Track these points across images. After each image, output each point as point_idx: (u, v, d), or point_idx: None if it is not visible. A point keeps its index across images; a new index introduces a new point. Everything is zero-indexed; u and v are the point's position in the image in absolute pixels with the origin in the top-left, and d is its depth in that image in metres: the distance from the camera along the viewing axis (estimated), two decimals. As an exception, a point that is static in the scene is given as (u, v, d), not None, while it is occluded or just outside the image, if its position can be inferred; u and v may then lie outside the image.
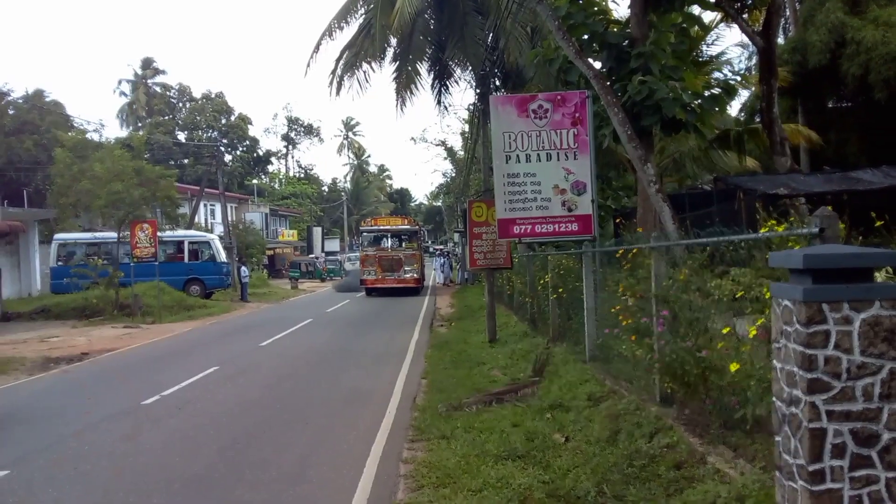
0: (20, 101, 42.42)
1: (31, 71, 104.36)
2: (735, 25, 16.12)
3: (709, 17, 18.51)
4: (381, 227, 35.36)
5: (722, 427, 5.60)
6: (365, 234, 35.02)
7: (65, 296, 27.50)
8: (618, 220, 17.41)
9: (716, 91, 12.42)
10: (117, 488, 6.90)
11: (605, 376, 9.03)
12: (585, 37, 11.91)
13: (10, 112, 41.65)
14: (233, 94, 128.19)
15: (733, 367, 4.85)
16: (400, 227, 35.50)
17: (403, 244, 34.06)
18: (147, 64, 63.66)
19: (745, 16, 15.30)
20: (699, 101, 11.72)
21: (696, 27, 13.38)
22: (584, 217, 11.30)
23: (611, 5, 13.08)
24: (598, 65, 11.94)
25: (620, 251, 8.63)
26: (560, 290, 12.76)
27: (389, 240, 34.15)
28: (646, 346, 6.77)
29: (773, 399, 3.61)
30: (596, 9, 12.19)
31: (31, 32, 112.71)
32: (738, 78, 18.01)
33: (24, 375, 14.30)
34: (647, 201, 11.51)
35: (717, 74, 18.69)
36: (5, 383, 13.48)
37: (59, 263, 31.17)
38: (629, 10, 12.12)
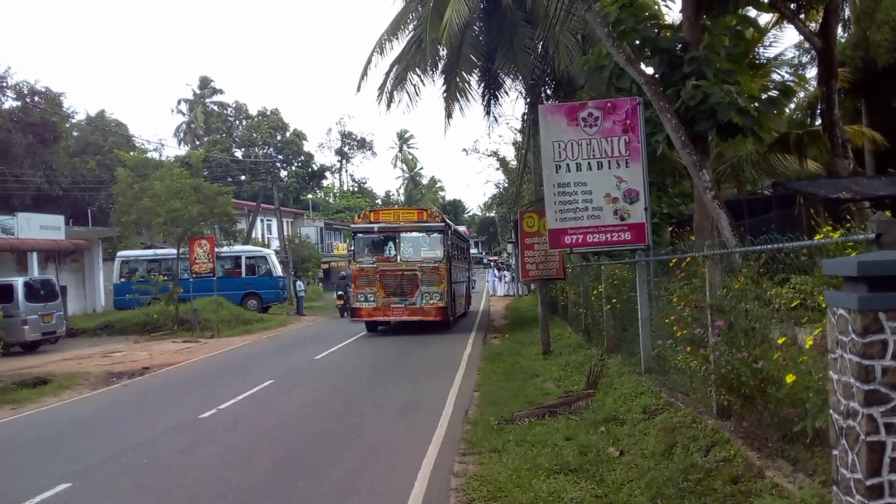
0: (84, 122, 43.91)
1: (94, 93, 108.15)
2: (792, 26, 15.69)
3: (765, 18, 18.09)
4: (384, 225, 21.74)
5: (781, 440, 5.40)
6: (359, 235, 22.00)
7: (127, 311, 28.28)
8: (671, 228, 17.05)
9: (773, 93, 12.10)
10: (174, 500, 7.01)
11: (660, 388, 8.83)
12: (637, 42, 11.73)
13: (75, 134, 43.13)
14: (288, 110, 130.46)
15: (789, 378, 4.67)
16: (415, 223, 21.80)
17: (421, 252, 21.50)
18: (205, 83, 65.29)
19: (802, 16, 14.89)
20: (756, 104, 11.42)
21: (752, 29, 13.06)
22: (636, 226, 11.09)
23: (662, 10, 12.84)
24: (649, 70, 11.75)
25: (674, 260, 8.44)
26: (614, 300, 12.55)
27: (398, 244, 21.56)
28: (701, 357, 6.58)
29: (830, 412, 3.45)
30: (647, 14, 11.99)
31: (96, 56, 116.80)
32: (796, 79, 17.52)
33: (88, 390, 14.71)
34: (704, 208, 11.25)
35: (775, 76, 18.27)
36: (70, 398, 13.89)
37: (122, 280, 32.09)
38: (681, 15, 11.91)
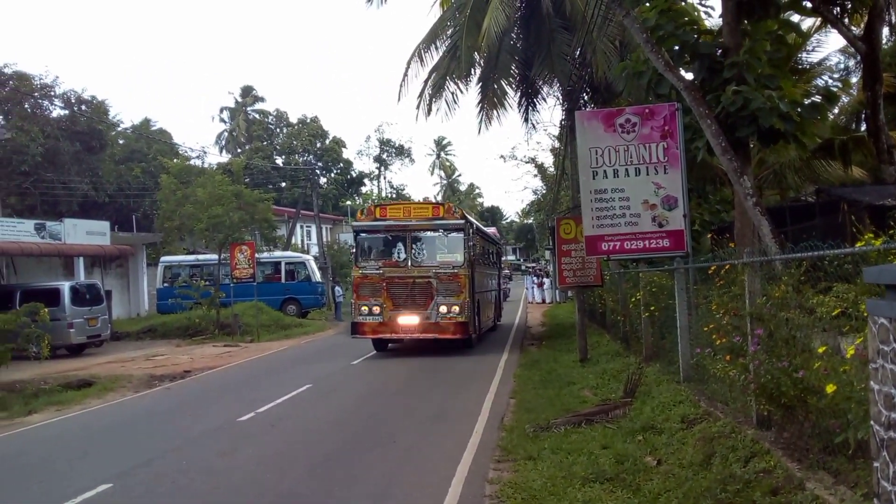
0: (129, 130, 44.86)
1: (139, 101, 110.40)
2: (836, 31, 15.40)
3: (808, 23, 17.76)
4: (393, 223, 18.27)
5: (822, 451, 5.28)
6: (362, 235, 18.62)
7: (170, 315, 28.79)
8: (711, 235, 16.82)
9: (816, 99, 11.87)
10: (212, 502, 7.10)
11: (699, 397, 8.71)
12: (676, 48, 11.60)
13: (121, 142, 44.09)
14: (327, 118, 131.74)
15: (830, 388, 4.57)
16: (429, 220, 18.25)
17: (437, 255, 18.17)
18: (247, 92, 66.19)
19: (846, 20, 14.60)
20: (798, 109, 11.22)
21: (794, 34, 12.85)
22: (675, 232, 10.95)
23: (702, 15, 12.65)
24: (689, 76, 11.62)
25: (713, 267, 8.33)
26: (652, 308, 12.42)
27: (409, 246, 18.05)
28: (740, 366, 6.48)
29: (871, 423, 3.37)
30: (686, 19, 11.86)
31: (141, 65, 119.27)
32: (839, 84, 17.18)
33: (131, 392, 15.00)
34: (745, 215, 11.07)
35: (818, 82, 17.93)
36: (113, 400, 14.18)
37: (165, 285, 32.68)
38: (721, 20, 11.76)
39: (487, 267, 23.08)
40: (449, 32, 21.05)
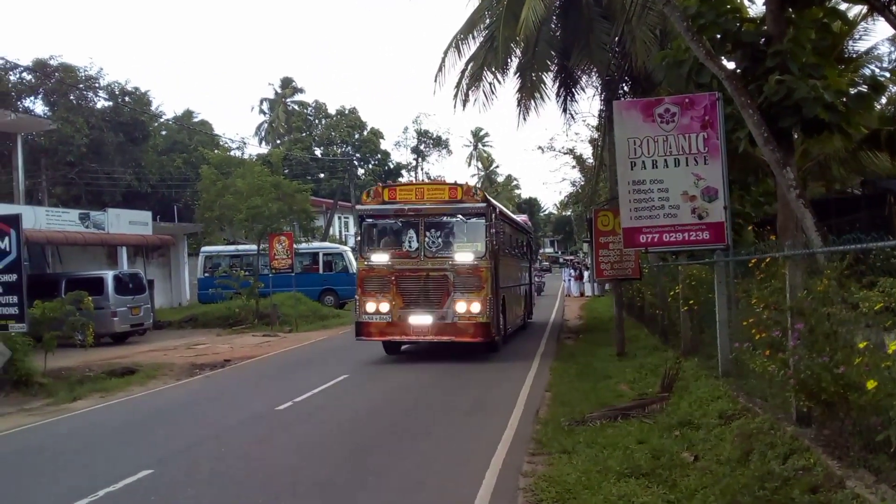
0: (171, 121, 45.56)
1: (181, 92, 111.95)
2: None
3: (855, 10, 17.29)
4: (403, 206, 16.01)
5: (863, 449, 5.16)
6: (368, 221, 16.41)
7: (210, 305, 29.24)
8: (752, 228, 16.54)
9: (863, 89, 11.55)
10: (249, 489, 7.19)
11: (738, 393, 8.57)
12: (717, 36, 11.38)
13: (163, 133, 44.80)
14: (365, 109, 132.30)
15: (871, 384, 4.46)
16: (445, 203, 15.85)
17: (455, 245, 15.83)
18: (286, 83, 66.73)
19: (894, 8, 14.17)
20: (843, 99, 10.93)
21: (839, 22, 12.51)
22: (715, 225, 10.76)
23: (745, 2, 12.39)
24: (731, 65, 11.40)
25: (753, 260, 8.18)
26: (691, 301, 12.25)
27: (421, 234, 15.75)
28: (780, 362, 6.35)
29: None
30: (728, 7, 11.62)
31: (182, 57, 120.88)
32: (888, 74, 16.70)
33: (172, 380, 15.27)
34: (787, 207, 10.83)
35: (865, 71, 17.46)
36: (155, 387, 14.45)
37: (206, 275, 33.20)
38: (764, 7, 11.50)
39: (515, 258, 21.08)
40: (486, 23, 20.96)
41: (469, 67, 21.30)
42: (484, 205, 15.73)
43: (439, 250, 15.59)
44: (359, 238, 16.60)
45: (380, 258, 15.75)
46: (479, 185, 16.96)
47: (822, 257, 6.69)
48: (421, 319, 15.38)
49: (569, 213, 71.59)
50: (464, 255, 15.50)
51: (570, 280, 42.90)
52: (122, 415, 11.76)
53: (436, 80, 21.78)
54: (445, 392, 12.29)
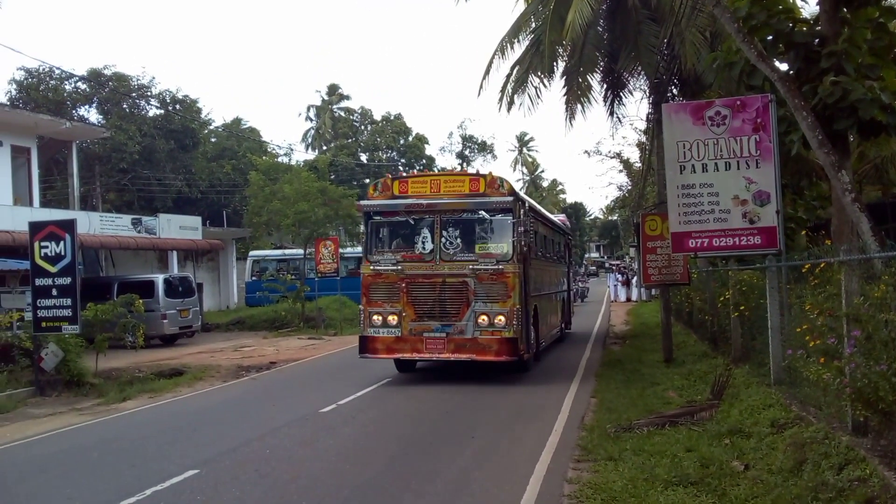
0: (220, 129, 46.39)
1: (230, 100, 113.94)
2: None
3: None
4: (416, 201, 13.98)
5: (925, 462, 4.96)
6: (375, 218, 14.35)
7: (257, 308, 29.65)
8: (806, 233, 16.14)
9: (923, 89, 11.17)
10: (293, 491, 7.23)
11: (791, 401, 8.35)
12: (769, 38, 11.13)
13: (213, 140, 45.64)
14: (410, 115, 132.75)
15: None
16: (464, 197, 13.82)
17: (476, 246, 13.75)
18: (333, 90, 67.48)
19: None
20: (902, 100, 10.58)
21: (897, 21, 12.13)
22: (767, 229, 10.50)
23: (798, 3, 12.10)
24: (783, 66, 11.13)
25: (807, 266, 7.95)
26: (742, 307, 11.98)
27: (436, 233, 13.73)
28: (835, 369, 6.15)
29: None
30: (780, 7, 11.37)
31: (232, 66, 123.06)
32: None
33: (219, 382, 15.48)
34: (843, 212, 10.50)
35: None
36: (202, 388, 14.67)
37: (253, 278, 33.66)
38: (818, 8, 11.21)
39: (550, 261, 18.70)
40: (532, 26, 20.84)
41: (514, 72, 21.19)
42: (510, 198, 13.46)
43: (458, 252, 13.52)
44: (364, 239, 14.44)
45: (388, 262, 13.65)
46: (502, 177, 13.94)
47: (879, 262, 6.47)
48: (435, 334, 13.21)
49: (615, 218, 70.84)
50: (487, 258, 13.30)
51: (616, 285, 42.46)
52: (169, 415, 11.95)
53: (481, 86, 21.73)
54: (488, 395, 12.20)
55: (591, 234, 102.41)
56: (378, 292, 13.68)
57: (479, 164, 67.86)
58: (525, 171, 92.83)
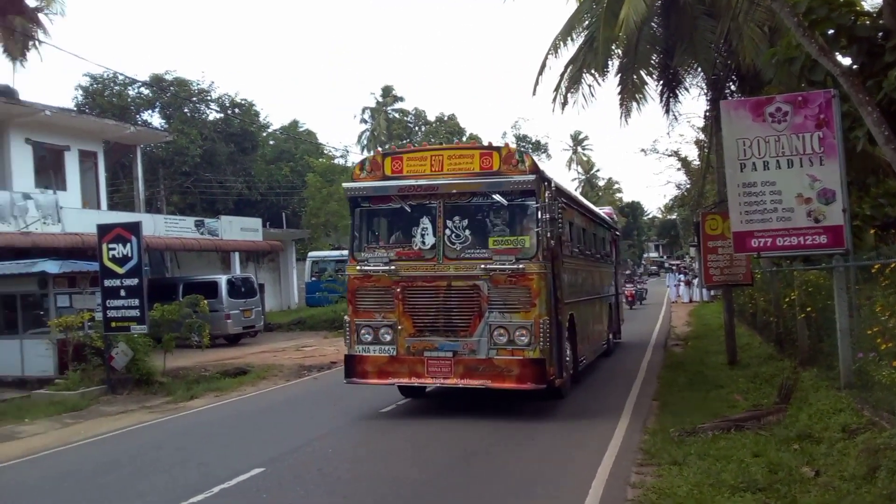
0: (279, 132, 47.20)
1: (287, 104, 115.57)
2: None
3: None
4: (413, 182, 11.00)
5: None
6: (362, 206, 11.54)
7: (317, 308, 30.13)
8: (874, 231, 15.68)
9: None
10: (355, 490, 7.37)
11: (862, 406, 8.13)
12: (830, 31, 10.86)
13: (271, 143, 46.48)
14: (464, 115, 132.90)
15: None
16: (474, 176, 10.84)
17: (489, 240, 10.79)
18: (387, 92, 67.99)
19: None
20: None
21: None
22: (833, 228, 10.23)
23: (861, -6, 11.75)
24: (846, 61, 10.84)
25: (876, 266, 7.74)
26: (808, 308, 11.70)
27: (438, 224, 10.95)
28: (909, 374, 5.99)
29: None
30: (841, 0, 11.08)
31: (287, 69, 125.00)
32: None
33: (282, 381, 15.80)
34: (912, 209, 10.22)
35: None
36: (266, 388, 15.00)
37: (313, 279, 34.18)
38: (881, 1, 10.88)
39: (591, 260, 15.60)
40: (586, 24, 20.65)
41: (568, 70, 21.04)
42: (533, 177, 10.52)
43: (467, 248, 10.74)
44: (352, 231, 11.60)
45: (379, 261, 10.97)
46: (521, 149, 11.89)
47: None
48: (438, 353, 10.55)
49: (674, 217, 69.74)
50: (504, 256, 10.47)
51: (677, 285, 41.75)
52: (235, 414, 12.25)
53: (536, 83, 21.63)
54: (548, 399, 12.16)
55: (650, 234, 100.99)
56: (367, 300, 11.01)
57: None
58: (580, 170, 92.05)
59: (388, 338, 10.80)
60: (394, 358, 10.77)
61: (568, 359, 11.62)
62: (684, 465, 7.39)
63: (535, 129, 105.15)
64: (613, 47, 20.11)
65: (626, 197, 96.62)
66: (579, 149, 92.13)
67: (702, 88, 21.81)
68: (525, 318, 10.27)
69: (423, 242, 10.94)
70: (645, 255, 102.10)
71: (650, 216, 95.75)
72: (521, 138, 69.14)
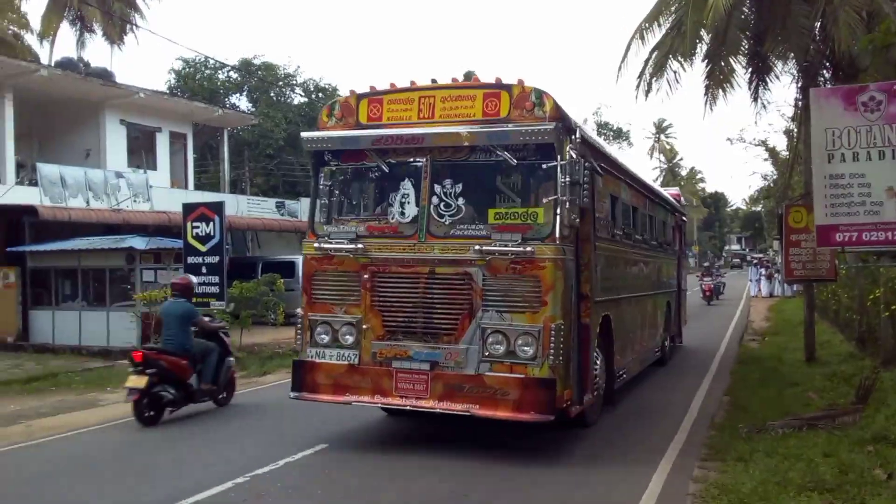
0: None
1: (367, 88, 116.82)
2: None
3: None
4: (392, 132, 8.28)
5: None
6: (329, 164, 8.81)
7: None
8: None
9: None
10: (416, 471, 7.45)
11: (946, 410, 7.75)
12: (933, 16, 10.32)
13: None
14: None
15: None
16: (475, 125, 7.95)
17: (488, 212, 8.14)
18: (468, 77, 67.67)
19: None
20: None
21: None
22: (926, 224, 9.75)
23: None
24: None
25: (969, 264, 7.33)
26: (894, 307, 11.19)
27: (422, 188, 8.14)
28: None
29: None
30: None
31: (368, 54, 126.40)
32: None
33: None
34: None
35: None
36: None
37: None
38: None
39: (642, 247, 12.46)
40: (673, 9, 20.19)
41: (653, 56, 20.64)
42: (553, 126, 7.67)
43: (458, 224, 8.06)
44: (314, 196, 8.95)
45: (343, 237, 8.33)
46: (536, 89, 7.92)
47: None
48: (414, 364, 7.90)
49: (759, 209, 67.56)
50: (507, 234, 7.70)
51: (758, 280, 40.48)
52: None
53: (618, 70, 21.29)
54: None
55: (732, 226, 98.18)
56: (327, 288, 8.47)
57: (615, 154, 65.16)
58: (662, 158, 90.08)
59: (351, 339, 8.22)
60: (354, 368, 8.17)
61: (596, 376, 8.90)
62: (750, 461, 7.19)
63: (617, 116, 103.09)
64: (702, 33, 19.59)
65: (709, 187, 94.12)
66: (662, 136, 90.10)
67: (793, 76, 21.03)
68: (531, 322, 7.50)
69: (403, 214, 8.25)
70: (726, 248, 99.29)
71: (734, 207, 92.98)
72: (602, 125, 68.11)
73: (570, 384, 7.85)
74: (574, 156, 7.58)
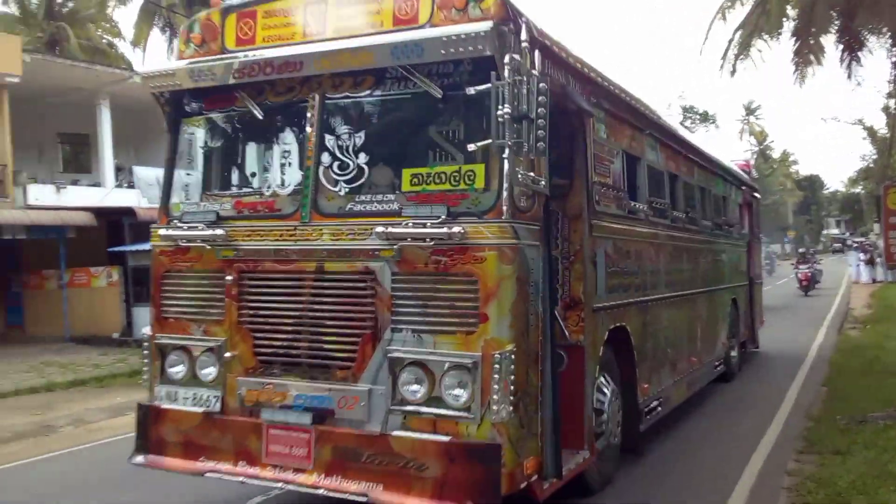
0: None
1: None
2: None
3: None
4: (260, 57, 5.17)
5: None
6: (185, 109, 5.93)
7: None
8: None
9: None
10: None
11: None
12: None
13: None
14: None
15: None
16: (379, 34, 4.89)
17: (403, 175, 5.06)
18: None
19: None
20: None
21: None
22: None
23: None
24: None
25: None
26: None
27: (307, 141, 5.15)
28: None
29: None
30: None
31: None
32: None
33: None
34: None
35: None
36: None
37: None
38: None
39: (684, 229, 8.99)
40: (758, -15, 19.57)
41: (736, 36, 20.09)
42: (490, 27, 4.55)
43: (358, 192, 5.17)
44: (166, 164, 6.19)
45: (201, 218, 5.56)
46: None
47: None
48: (291, 417, 5.05)
49: (858, 191, 64.55)
50: (428, 208, 4.74)
51: (859, 265, 38.49)
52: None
53: (702, 50, 20.79)
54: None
55: (830, 209, 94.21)
56: (180, 296, 5.69)
57: (702, 135, 62.94)
58: (753, 140, 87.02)
59: (211, 374, 5.44)
60: (212, 419, 5.38)
61: (604, 418, 6.19)
62: (848, 454, 6.92)
63: (701, 100, 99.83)
64: (788, 9, 18.92)
65: (803, 170, 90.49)
66: (752, 118, 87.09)
67: (889, 51, 20.06)
68: (464, 348, 4.61)
69: (281, 182, 5.61)
70: (825, 232, 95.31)
71: (831, 190, 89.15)
72: (687, 109, 66.31)
73: (537, 447, 4.91)
74: (518, 68, 4.40)
